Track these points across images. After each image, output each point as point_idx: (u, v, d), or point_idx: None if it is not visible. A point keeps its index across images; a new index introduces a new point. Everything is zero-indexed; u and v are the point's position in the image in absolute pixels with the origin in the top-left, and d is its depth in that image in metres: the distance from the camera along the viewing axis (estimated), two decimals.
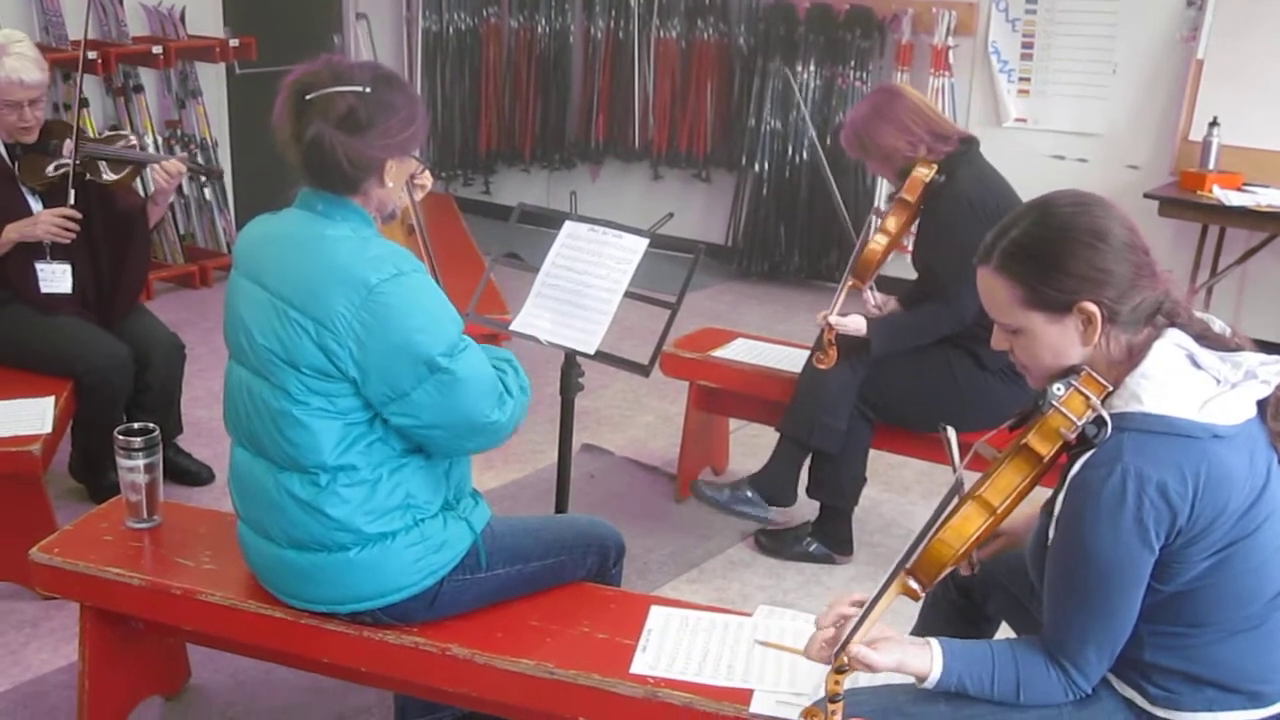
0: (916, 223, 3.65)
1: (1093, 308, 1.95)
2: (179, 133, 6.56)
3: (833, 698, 1.94)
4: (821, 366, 3.62)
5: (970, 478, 2.07)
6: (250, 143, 7.00)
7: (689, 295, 3.07)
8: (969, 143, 3.60)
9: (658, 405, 5.03)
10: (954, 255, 3.21)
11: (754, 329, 5.05)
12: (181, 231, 6.60)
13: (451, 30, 7.63)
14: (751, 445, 4.51)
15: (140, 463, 2.79)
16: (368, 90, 2.28)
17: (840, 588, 3.70)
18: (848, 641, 1.96)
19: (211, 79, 6.78)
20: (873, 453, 3.81)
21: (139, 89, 6.38)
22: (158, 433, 2.82)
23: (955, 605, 2.56)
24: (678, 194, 7.19)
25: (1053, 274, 1.96)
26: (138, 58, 6.23)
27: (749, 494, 3.96)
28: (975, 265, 2.06)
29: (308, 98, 2.27)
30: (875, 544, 3.97)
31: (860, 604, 2.02)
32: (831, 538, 3.85)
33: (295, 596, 2.50)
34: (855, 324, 3.58)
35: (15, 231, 3.80)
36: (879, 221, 3.62)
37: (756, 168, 6.76)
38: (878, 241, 3.56)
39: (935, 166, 3.53)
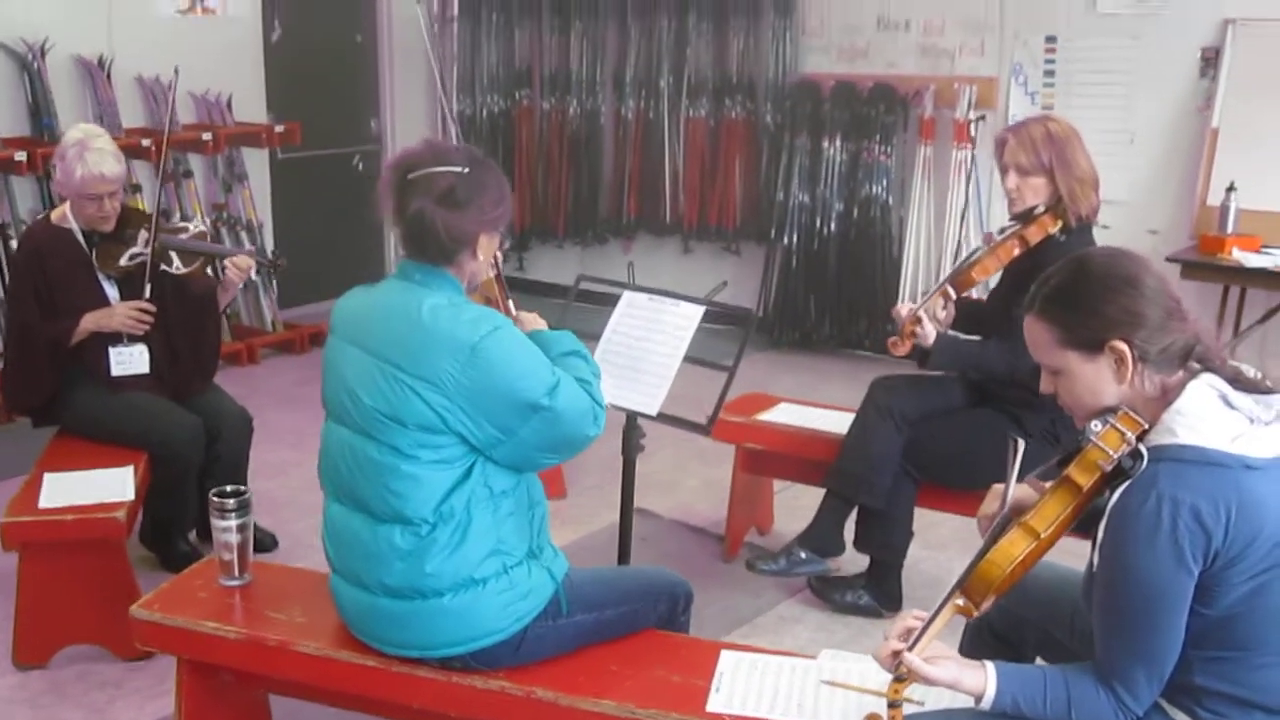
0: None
1: (1123, 346, 2.12)
2: (225, 215, 6.78)
3: (892, 703, 2.11)
4: (897, 353, 3.72)
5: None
6: (293, 224, 7.23)
7: None
8: (1091, 221, 3.69)
9: (703, 470, 5.17)
10: None
11: (788, 397, 5.19)
12: (228, 310, 6.79)
13: (485, 113, 7.89)
14: (794, 506, 4.63)
15: (233, 523, 2.94)
16: (466, 170, 2.50)
17: None
18: (909, 649, 2.12)
19: (256, 163, 7.02)
20: None
21: (188, 174, 6.61)
22: (250, 494, 2.97)
23: (992, 649, 2.67)
24: (709, 267, 7.36)
25: (1086, 316, 2.15)
26: (188, 144, 6.47)
27: (802, 555, 4.00)
28: (1021, 315, 2.25)
29: (410, 176, 2.48)
30: (920, 598, 4.05)
31: (921, 618, 2.18)
32: (882, 591, 3.97)
33: (388, 642, 2.63)
34: (929, 333, 3.67)
35: (92, 322, 3.97)
36: (989, 249, 3.71)
37: (785, 240, 6.95)
38: (985, 266, 3.68)
39: (1060, 223, 3.62)
